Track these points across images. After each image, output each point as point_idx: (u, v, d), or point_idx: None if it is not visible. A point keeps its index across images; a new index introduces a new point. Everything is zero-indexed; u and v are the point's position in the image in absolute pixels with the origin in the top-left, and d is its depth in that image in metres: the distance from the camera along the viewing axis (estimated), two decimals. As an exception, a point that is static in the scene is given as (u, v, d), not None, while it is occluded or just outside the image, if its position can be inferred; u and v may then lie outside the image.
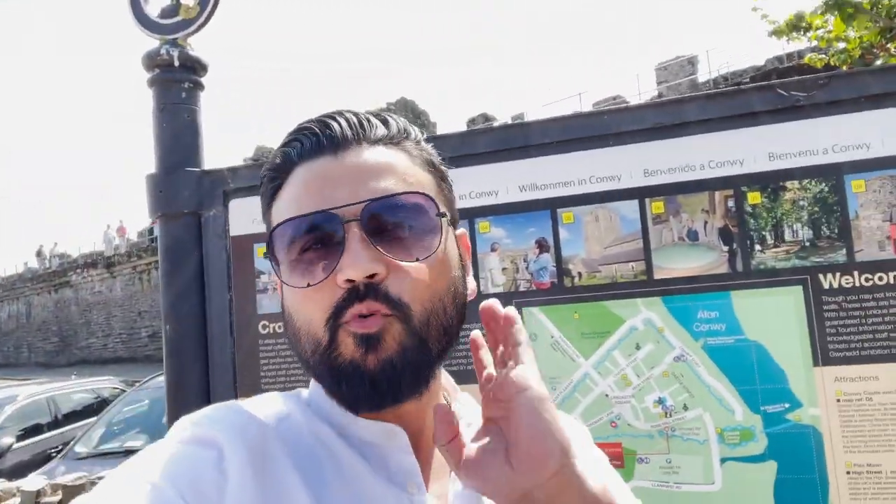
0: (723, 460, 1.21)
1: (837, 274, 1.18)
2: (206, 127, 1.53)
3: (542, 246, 1.33)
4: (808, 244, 1.20)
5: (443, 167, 0.74)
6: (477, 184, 1.37)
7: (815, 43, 7.72)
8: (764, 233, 1.23)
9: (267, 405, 0.69)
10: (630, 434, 1.26)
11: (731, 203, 1.24)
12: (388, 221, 0.63)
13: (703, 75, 17.22)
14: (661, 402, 1.25)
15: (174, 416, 1.45)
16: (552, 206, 1.33)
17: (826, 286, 1.18)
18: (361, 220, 0.61)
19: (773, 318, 1.20)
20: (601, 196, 1.31)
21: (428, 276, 0.64)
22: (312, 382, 0.73)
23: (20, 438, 7.07)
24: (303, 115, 0.76)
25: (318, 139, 0.66)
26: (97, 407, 8.08)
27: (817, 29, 6.42)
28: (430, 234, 0.65)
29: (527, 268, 1.34)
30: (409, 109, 24.45)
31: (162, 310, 1.48)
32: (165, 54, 1.47)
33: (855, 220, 1.18)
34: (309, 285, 0.62)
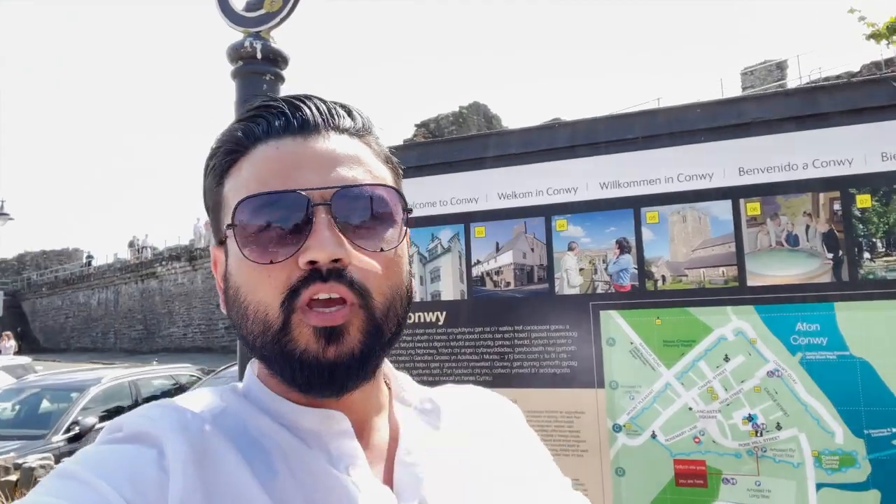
0: (819, 486, 1.11)
1: (961, 287, 1.06)
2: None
3: (622, 246, 1.26)
4: (926, 253, 1.09)
5: (398, 165, 0.74)
6: (555, 180, 1.31)
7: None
8: (874, 239, 1.12)
9: (202, 401, 0.67)
10: (715, 452, 1.17)
11: (836, 206, 1.14)
12: (355, 210, 0.62)
13: (792, 81, 16.37)
14: (751, 419, 1.16)
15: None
16: (636, 204, 1.26)
17: (947, 301, 1.06)
18: (331, 204, 0.60)
19: (883, 334, 1.09)
20: (690, 195, 1.23)
21: (389, 268, 0.64)
22: (248, 373, 0.72)
23: (102, 419, 7.46)
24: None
25: (286, 119, 0.65)
26: (174, 392, 8.44)
27: (924, 31, 5.97)
28: (394, 227, 0.65)
29: (606, 269, 1.27)
30: (481, 113, 24.44)
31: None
32: (249, 46, 1.49)
33: (984, 228, 1.06)
34: (272, 262, 0.60)
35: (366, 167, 0.65)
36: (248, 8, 1.55)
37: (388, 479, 0.66)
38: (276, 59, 1.52)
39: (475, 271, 1.38)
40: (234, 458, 0.60)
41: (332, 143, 0.65)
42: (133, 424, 0.61)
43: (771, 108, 1.18)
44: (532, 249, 1.34)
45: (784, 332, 1.15)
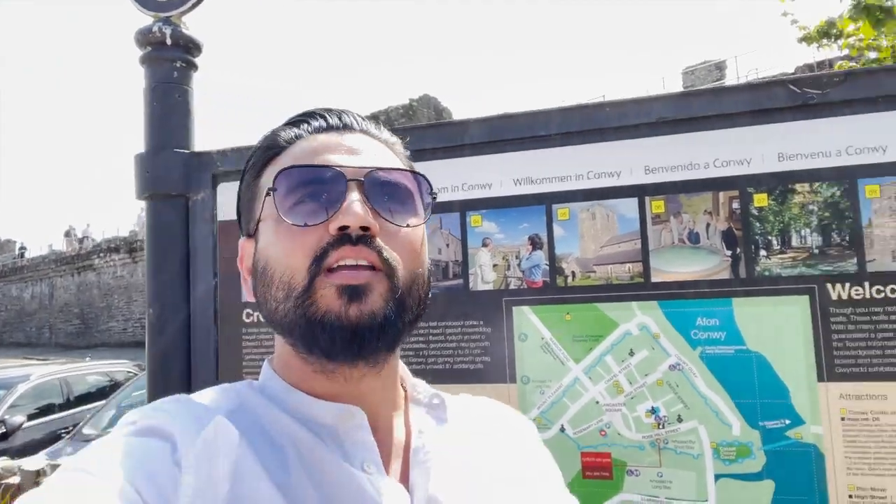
0: (717, 477, 1.14)
1: (847, 284, 1.11)
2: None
3: (534, 243, 1.27)
4: (816, 251, 1.13)
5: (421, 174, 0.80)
6: (470, 175, 1.31)
7: (846, 51, 7.52)
8: (770, 238, 1.15)
9: (217, 396, 0.68)
10: (620, 444, 1.19)
11: (735, 205, 1.17)
12: (385, 190, 0.67)
13: (730, 81, 16.93)
14: (653, 411, 1.19)
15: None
16: (548, 201, 1.27)
17: (834, 297, 1.11)
18: (364, 181, 0.65)
19: (777, 329, 1.13)
20: (599, 193, 1.25)
21: (413, 246, 0.68)
22: (265, 367, 0.73)
23: (32, 417, 7.15)
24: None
25: (325, 120, 0.72)
26: (110, 390, 8.14)
27: (848, 36, 6.24)
28: (418, 211, 0.70)
29: (518, 265, 1.28)
30: (431, 106, 24.40)
31: (146, 294, 1.44)
32: (158, 31, 1.43)
33: (868, 227, 1.11)
34: (306, 224, 0.64)
35: (394, 162, 0.72)
36: (159, -8, 1.49)
37: (403, 478, 0.68)
38: (187, 46, 1.46)
39: (390, 267, 1.36)
40: (248, 453, 0.60)
41: (364, 140, 0.72)
42: (147, 418, 0.62)
43: (676, 107, 1.21)
44: (447, 245, 1.33)
45: (685, 327, 1.18)
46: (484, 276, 1.30)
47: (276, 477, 0.60)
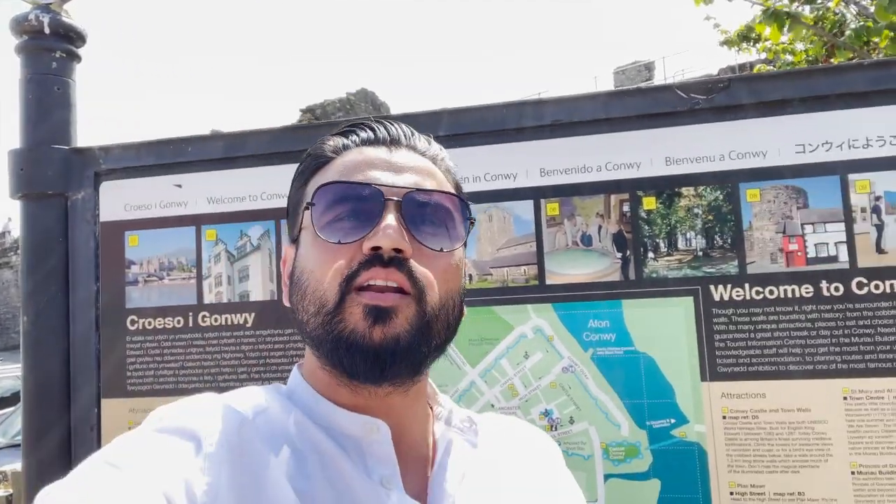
0: (606, 477, 1.15)
1: (728, 286, 1.13)
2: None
3: (431, 245, 1.25)
4: (700, 254, 1.15)
5: (463, 193, 0.80)
6: (366, 176, 1.28)
7: (763, 55, 7.86)
8: (658, 240, 1.17)
9: (245, 398, 0.68)
10: (514, 447, 1.19)
11: (626, 208, 1.19)
12: (423, 212, 0.67)
13: (658, 80, 17.48)
14: (547, 414, 1.19)
15: (31, 418, 1.33)
16: (444, 203, 1.25)
17: (717, 298, 1.14)
18: (402, 202, 0.65)
19: (663, 330, 1.15)
20: (496, 194, 1.24)
21: (446, 270, 0.68)
22: (294, 373, 0.74)
23: (-66, 426, 6.68)
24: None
25: (374, 133, 0.72)
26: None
27: (765, 40, 6.52)
28: (455, 236, 0.70)
29: (415, 268, 1.25)
30: (369, 100, 24.16)
31: (21, 299, 1.34)
32: (34, 20, 1.33)
33: (748, 230, 1.14)
34: (340, 242, 0.65)
35: (438, 182, 0.71)
36: (37, -24, 1.38)
37: (421, 496, 0.68)
38: (68, 35, 1.37)
39: (285, 270, 1.32)
40: (270, 458, 0.61)
41: (409, 156, 0.71)
42: (174, 417, 0.62)
43: (570, 111, 1.21)
44: (343, 247, 1.29)
45: (577, 329, 1.18)
46: (380, 279, 1.27)
47: (296, 483, 0.60)
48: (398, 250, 0.63)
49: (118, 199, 1.36)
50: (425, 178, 0.70)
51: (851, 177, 1.11)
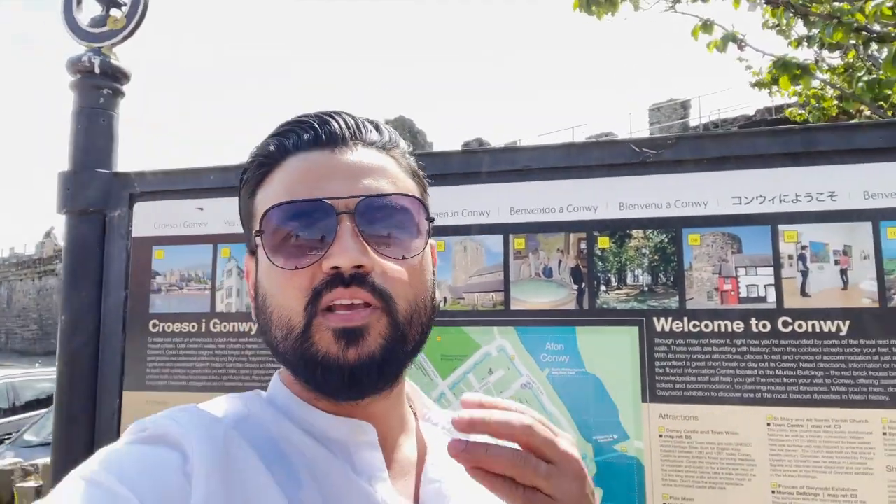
0: (556, 484, 1.29)
1: (669, 318, 1.28)
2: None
3: (412, 270, 1.42)
4: (646, 289, 1.30)
5: (424, 178, 0.78)
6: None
7: (795, 98, 7.91)
8: (609, 275, 1.32)
9: (226, 406, 0.67)
10: (476, 453, 1.33)
11: (583, 245, 1.34)
12: (379, 218, 0.64)
13: (694, 120, 17.53)
14: (506, 425, 1.33)
15: (62, 403, 1.52)
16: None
17: (659, 329, 1.28)
18: (355, 213, 0.62)
19: (611, 355, 1.29)
20: (471, 228, 1.40)
21: (412, 275, 0.66)
22: (275, 379, 0.73)
23: (-26, 423, 7.04)
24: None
25: (315, 133, 0.67)
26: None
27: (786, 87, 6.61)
28: (416, 236, 0.68)
29: (398, 290, 1.42)
30: (406, 128, 24.67)
31: (60, 301, 1.55)
32: (87, 62, 1.56)
33: (689, 270, 1.28)
34: (297, 268, 0.62)
35: (391, 178, 0.67)
36: (93, 24, 1.62)
37: (414, 496, 0.68)
38: (115, 76, 1.60)
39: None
40: (258, 466, 0.59)
41: (358, 155, 0.67)
42: (158, 426, 0.60)
43: (539, 158, 1.38)
44: (337, 269, 1.47)
45: (536, 351, 1.33)
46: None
47: (287, 489, 0.59)
48: (358, 266, 0.61)
49: (149, 218, 1.56)
50: (378, 178, 0.66)
51: (781, 227, 1.24)
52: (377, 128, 0.72)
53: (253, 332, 1.49)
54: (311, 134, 0.67)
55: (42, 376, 8.86)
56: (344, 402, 0.64)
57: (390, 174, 0.68)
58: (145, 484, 0.53)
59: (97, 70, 1.57)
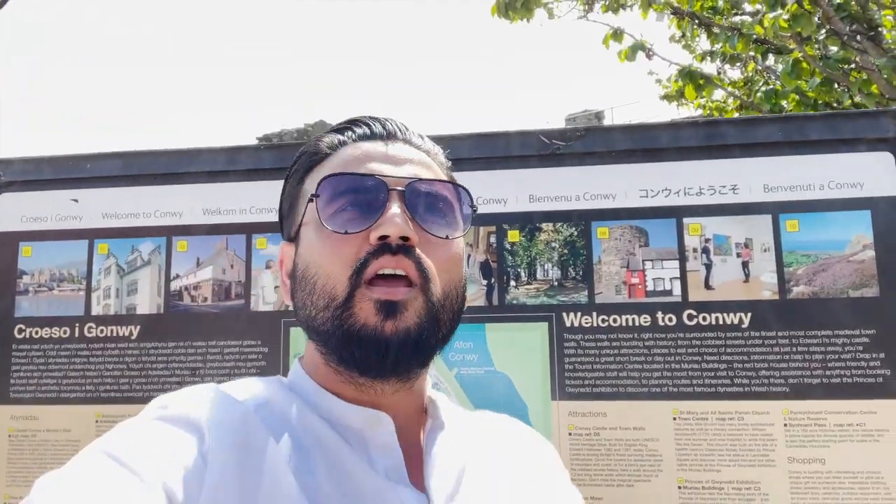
0: (464, 489, 1.23)
1: (579, 313, 1.25)
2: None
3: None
4: (556, 283, 1.27)
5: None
6: (256, 200, 1.36)
7: (699, 111, 8.33)
8: (519, 270, 1.28)
9: (247, 389, 0.68)
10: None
11: (493, 239, 1.30)
12: (426, 202, 0.68)
13: (606, 130, 18.08)
14: (413, 429, 1.26)
15: None
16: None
17: (568, 324, 1.25)
18: (404, 192, 0.66)
19: (520, 353, 1.25)
20: (376, 222, 1.33)
21: (449, 260, 0.68)
22: (295, 366, 0.73)
23: None
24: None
25: (369, 128, 0.73)
26: None
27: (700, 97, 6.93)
28: (457, 223, 0.70)
29: (298, 287, 1.33)
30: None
31: None
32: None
33: (598, 264, 1.26)
34: (346, 232, 0.65)
35: (434, 173, 0.72)
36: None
37: (425, 490, 0.67)
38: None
39: (174, 285, 1.37)
40: (274, 450, 0.60)
41: (406, 149, 0.72)
42: (178, 405, 0.61)
43: (447, 148, 1.32)
44: (232, 266, 1.36)
45: (444, 350, 1.27)
46: (265, 297, 1.34)
47: (301, 476, 0.60)
48: (405, 238, 0.64)
49: (16, 211, 1.40)
50: (424, 169, 0.71)
51: (686, 220, 1.24)
52: (421, 137, 0.78)
53: (134, 337, 1.35)
54: (364, 129, 0.73)
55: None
56: (373, 379, 0.65)
57: (435, 171, 0.73)
58: (163, 462, 0.54)
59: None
